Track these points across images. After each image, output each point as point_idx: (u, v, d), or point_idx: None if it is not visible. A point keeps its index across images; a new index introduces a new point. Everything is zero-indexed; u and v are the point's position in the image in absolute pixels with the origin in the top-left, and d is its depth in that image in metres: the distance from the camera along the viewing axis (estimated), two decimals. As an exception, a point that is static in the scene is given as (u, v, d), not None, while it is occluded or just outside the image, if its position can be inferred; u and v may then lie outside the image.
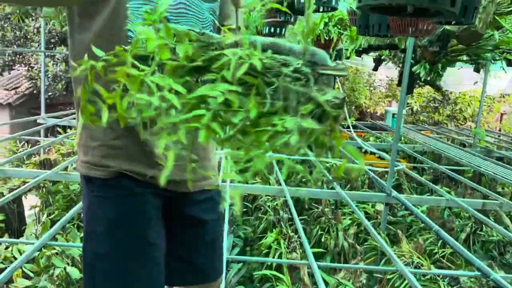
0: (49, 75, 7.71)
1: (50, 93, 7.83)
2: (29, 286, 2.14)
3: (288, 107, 0.49)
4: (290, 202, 2.90)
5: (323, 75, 0.56)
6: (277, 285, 2.33)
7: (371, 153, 5.02)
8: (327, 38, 2.91)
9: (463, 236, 3.32)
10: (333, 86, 0.57)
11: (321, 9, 1.64)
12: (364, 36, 2.37)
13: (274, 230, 2.97)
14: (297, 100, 0.50)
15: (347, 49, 3.35)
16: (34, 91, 8.98)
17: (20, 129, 6.20)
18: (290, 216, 3.24)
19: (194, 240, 1.14)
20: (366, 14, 2.00)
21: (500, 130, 8.25)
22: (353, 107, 8.42)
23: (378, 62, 6.42)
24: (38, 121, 5.43)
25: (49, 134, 5.90)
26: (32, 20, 7.41)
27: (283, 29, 2.66)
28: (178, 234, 1.13)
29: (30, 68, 8.23)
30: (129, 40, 0.91)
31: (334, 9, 1.64)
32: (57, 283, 2.20)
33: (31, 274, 2.38)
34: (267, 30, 2.70)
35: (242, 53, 0.51)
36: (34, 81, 8.26)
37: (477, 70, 5.54)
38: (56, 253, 2.42)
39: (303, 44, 0.55)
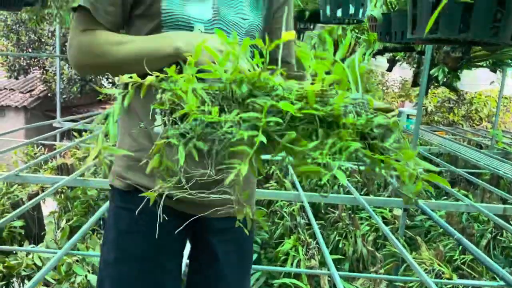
0: (64, 78, 7.78)
1: (65, 96, 7.91)
2: (51, 295, 2.16)
3: None
4: (308, 208, 2.89)
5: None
6: (297, 294, 2.32)
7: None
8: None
9: (484, 242, 3.27)
10: None
11: (346, 21, 1.62)
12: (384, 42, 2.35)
13: (291, 236, 2.96)
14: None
15: (364, 54, 3.32)
16: (49, 94, 9.09)
17: (35, 132, 6.27)
18: (307, 222, 3.23)
19: (212, 274, 1.14)
20: (388, 21, 1.97)
21: (516, 130, 8.13)
22: (367, 108, 8.36)
23: (392, 62, 6.36)
24: (54, 124, 5.49)
25: (64, 138, 5.95)
26: (47, 23, 7.48)
27: (302, 35, 2.65)
28: (199, 265, 1.15)
29: (45, 71, 8.32)
30: (162, 16, 0.95)
31: (360, 21, 1.62)
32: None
33: (52, 281, 2.40)
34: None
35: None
36: (49, 84, 8.35)
37: (493, 70, 5.46)
38: (77, 260, 2.44)
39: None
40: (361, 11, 1.50)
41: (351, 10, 1.46)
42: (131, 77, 0.61)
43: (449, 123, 8.35)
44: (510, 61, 3.57)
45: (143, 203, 0.95)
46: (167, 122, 0.55)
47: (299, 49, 0.61)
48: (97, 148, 0.55)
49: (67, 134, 6.04)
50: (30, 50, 7.94)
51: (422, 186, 0.54)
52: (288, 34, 0.64)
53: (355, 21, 1.62)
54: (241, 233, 1.11)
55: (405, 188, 0.55)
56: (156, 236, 1.03)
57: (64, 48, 8.02)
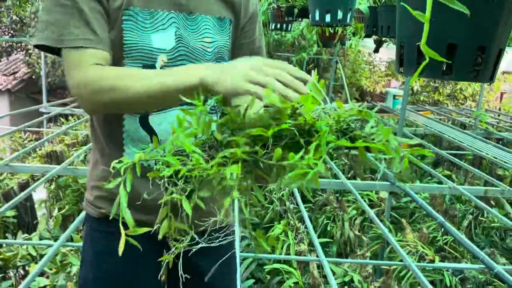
0: (48, 61, 7.65)
1: (49, 79, 7.79)
2: (48, 285, 2.21)
3: None
4: (297, 193, 2.96)
5: None
6: (287, 278, 2.40)
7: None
8: (332, 31, 2.91)
9: (465, 223, 3.39)
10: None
11: (334, 25, 1.65)
12: (371, 35, 2.38)
13: (281, 221, 3.04)
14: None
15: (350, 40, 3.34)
16: (33, 76, 8.94)
17: (20, 117, 6.19)
18: (296, 206, 3.31)
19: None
20: (375, 14, 2.00)
21: (500, 110, 8.28)
22: (354, 89, 8.41)
23: (379, 43, 6.38)
24: (40, 110, 5.43)
25: (52, 123, 5.89)
26: (29, 5, 7.31)
27: (289, 26, 2.66)
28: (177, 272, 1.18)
29: (28, 54, 8.16)
30: (124, 48, 0.92)
31: (348, 25, 1.65)
32: (74, 280, 2.27)
33: (47, 270, 2.45)
34: (273, 26, 2.70)
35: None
36: (32, 67, 8.20)
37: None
38: (71, 250, 2.48)
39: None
40: (349, 16, 1.54)
41: (340, 15, 1.50)
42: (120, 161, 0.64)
43: (435, 102, 8.46)
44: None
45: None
46: (167, 186, 0.59)
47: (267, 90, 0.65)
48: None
49: (54, 119, 5.99)
50: (12, 32, 7.76)
51: (408, 164, 0.58)
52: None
53: (343, 26, 1.66)
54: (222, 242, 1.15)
55: (394, 168, 0.60)
56: (134, 255, 1.09)
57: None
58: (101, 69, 0.86)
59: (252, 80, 0.67)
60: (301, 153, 0.55)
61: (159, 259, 0.83)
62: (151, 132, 1.00)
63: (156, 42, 0.94)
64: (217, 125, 0.62)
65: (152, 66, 0.95)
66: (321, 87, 0.69)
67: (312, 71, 0.76)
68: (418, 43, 0.61)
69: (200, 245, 0.75)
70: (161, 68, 0.96)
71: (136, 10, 0.92)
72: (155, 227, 0.66)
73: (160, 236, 0.64)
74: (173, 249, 0.67)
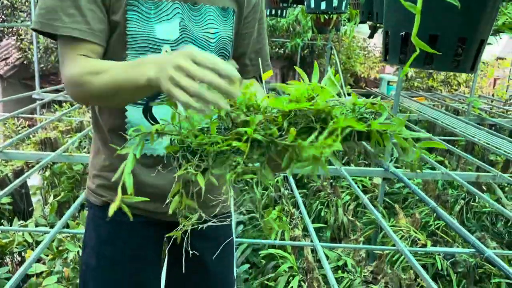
0: (40, 47, 7.56)
1: (42, 65, 7.72)
2: (45, 271, 2.22)
3: None
4: (291, 180, 2.98)
5: None
6: (282, 263, 2.44)
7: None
8: (326, 18, 2.90)
9: (457, 208, 3.44)
10: None
11: (329, 12, 1.65)
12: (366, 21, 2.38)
13: (276, 206, 3.07)
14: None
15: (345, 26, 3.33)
16: (25, 62, 8.84)
17: (13, 103, 6.14)
18: (290, 192, 3.33)
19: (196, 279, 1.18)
20: (370, 1, 2.00)
21: (493, 95, 8.33)
22: (348, 75, 8.41)
23: (373, 29, 6.36)
24: (33, 96, 5.39)
25: (45, 109, 5.86)
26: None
27: (284, 12, 2.64)
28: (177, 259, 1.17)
29: (20, 39, 8.06)
30: (128, 38, 0.92)
31: (343, 12, 1.65)
32: (71, 266, 2.29)
33: (44, 256, 2.47)
34: (268, 12, 2.68)
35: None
36: (24, 53, 8.11)
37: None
38: (68, 237, 2.50)
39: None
40: (344, 3, 1.53)
41: (335, 3, 1.49)
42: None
43: (428, 88, 8.49)
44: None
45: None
46: (180, 161, 0.60)
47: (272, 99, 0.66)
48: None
49: (47, 105, 5.95)
50: (3, 17, 7.65)
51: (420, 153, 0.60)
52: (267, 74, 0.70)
53: (338, 13, 1.65)
54: (221, 228, 1.15)
55: (407, 157, 0.61)
56: (136, 244, 1.09)
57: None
58: (84, 63, 0.86)
59: (179, 85, 0.66)
60: (315, 134, 0.56)
61: (168, 235, 0.84)
62: (155, 123, 1.01)
63: (160, 32, 0.93)
64: (232, 107, 0.63)
65: None
66: (336, 81, 0.69)
67: (315, 61, 0.76)
68: (402, 33, 0.63)
69: (200, 227, 0.76)
70: None
71: (140, 0, 0.92)
72: (166, 201, 0.66)
73: (170, 211, 0.64)
74: (180, 226, 0.68)
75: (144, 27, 0.92)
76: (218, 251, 1.15)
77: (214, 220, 0.93)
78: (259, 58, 1.08)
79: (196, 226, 0.69)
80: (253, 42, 1.10)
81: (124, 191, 0.60)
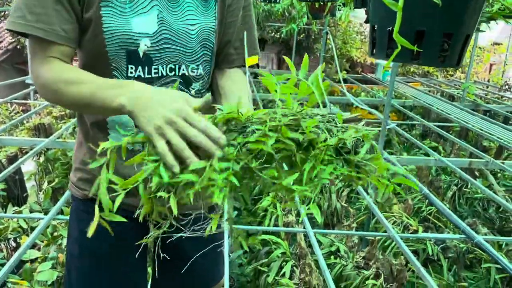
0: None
1: (29, 55, 7.62)
2: (39, 257, 2.24)
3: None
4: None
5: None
6: (275, 249, 2.46)
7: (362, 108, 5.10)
8: (321, 3, 2.88)
9: (449, 194, 3.48)
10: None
11: (325, 1, 1.63)
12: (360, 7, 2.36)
13: (269, 193, 3.08)
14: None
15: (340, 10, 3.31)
16: (18, 46, 8.74)
17: (6, 88, 6.09)
18: (284, 178, 3.35)
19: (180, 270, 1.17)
20: (363, -13, 1.99)
21: (488, 81, 8.34)
22: (344, 60, 8.38)
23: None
24: (26, 81, 5.35)
25: (39, 95, 5.81)
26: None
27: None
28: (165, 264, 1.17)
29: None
30: (105, 35, 0.91)
31: (334, 1, 1.64)
32: (65, 252, 2.31)
33: (38, 242, 2.48)
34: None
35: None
36: (17, 36, 8.00)
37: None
38: (62, 223, 2.51)
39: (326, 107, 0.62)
40: (335, -9, 1.52)
41: (326, -9, 1.48)
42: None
43: (424, 73, 8.48)
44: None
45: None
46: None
47: (264, 79, 0.66)
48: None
49: (40, 90, 5.88)
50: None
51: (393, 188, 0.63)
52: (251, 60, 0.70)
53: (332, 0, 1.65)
54: (208, 223, 1.17)
55: (379, 197, 0.65)
56: (120, 238, 1.10)
57: None
58: (59, 70, 0.87)
59: (163, 135, 0.66)
60: (294, 177, 0.59)
61: (138, 242, 0.83)
62: None
63: (137, 26, 0.91)
64: (213, 122, 0.63)
65: (135, 52, 0.93)
66: (324, 89, 0.69)
67: (306, 54, 0.75)
68: (388, 28, 0.63)
69: (182, 234, 0.77)
70: (144, 53, 0.94)
71: None
72: (137, 211, 0.67)
73: (140, 218, 0.66)
74: (151, 233, 0.69)
75: (120, 22, 0.90)
76: (205, 249, 1.16)
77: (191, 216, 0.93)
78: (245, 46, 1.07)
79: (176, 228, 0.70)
80: (238, 30, 1.07)
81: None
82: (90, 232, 0.63)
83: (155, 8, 0.93)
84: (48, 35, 0.86)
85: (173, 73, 0.98)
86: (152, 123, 0.68)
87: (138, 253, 1.08)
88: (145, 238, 0.72)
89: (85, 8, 0.89)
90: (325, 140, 0.59)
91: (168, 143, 0.66)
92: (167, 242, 1.13)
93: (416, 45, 0.58)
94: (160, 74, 0.97)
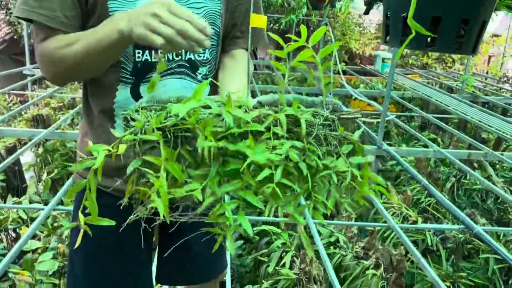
0: (29, 21, 7.40)
1: (32, 40, 7.56)
2: (40, 247, 2.24)
3: (330, 150, 0.57)
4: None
5: (341, 119, 0.62)
6: (275, 239, 2.47)
7: (361, 100, 5.10)
8: (322, -6, 2.86)
9: (448, 185, 3.49)
10: (348, 128, 0.64)
11: None
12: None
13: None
14: (336, 143, 0.58)
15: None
16: (15, 37, 8.67)
17: (3, 79, 6.06)
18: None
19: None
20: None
21: (487, 73, 8.33)
22: (343, 52, 8.34)
23: (369, 5, 6.29)
24: (23, 72, 5.31)
25: (36, 85, 5.79)
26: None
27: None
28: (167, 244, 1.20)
29: (9, 13, 7.88)
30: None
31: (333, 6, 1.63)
32: (66, 243, 2.31)
33: (38, 233, 2.48)
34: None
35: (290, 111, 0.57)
36: (14, 26, 7.94)
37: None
38: (62, 213, 2.51)
39: (323, 97, 0.61)
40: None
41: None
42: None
43: (423, 65, 8.46)
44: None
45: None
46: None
47: (272, 51, 0.65)
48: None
49: (38, 81, 5.87)
50: (-10, -10, 7.45)
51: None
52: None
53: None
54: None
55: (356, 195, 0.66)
56: (124, 228, 1.10)
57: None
58: (48, 42, 0.88)
59: (155, 31, 0.71)
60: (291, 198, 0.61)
61: (130, 218, 0.82)
62: None
63: None
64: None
65: None
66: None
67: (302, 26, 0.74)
68: (403, 14, 0.62)
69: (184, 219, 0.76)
70: None
71: None
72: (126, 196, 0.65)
73: (125, 200, 0.64)
74: (136, 211, 0.67)
75: (126, 5, 0.91)
76: (208, 239, 1.16)
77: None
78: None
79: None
80: (245, 14, 1.07)
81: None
82: (77, 243, 0.62)
83: None
84: (50, 21, 0.86)
85: (180, 57, 0.98)
86: (141, 25, 0.72)
87: (141, 243, 1.08)
88: (133, 215, 0.69)
89: None
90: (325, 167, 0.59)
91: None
92: (169, 232, 1.14)
93: (431, 32, 0.58)
94: (166, 58, 0.97)
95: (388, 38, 0.68)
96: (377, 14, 8.29)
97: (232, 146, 0.56)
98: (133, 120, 0.63)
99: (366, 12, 6.55)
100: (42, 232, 2.46)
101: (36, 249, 2.26)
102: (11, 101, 4.98)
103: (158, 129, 0.59)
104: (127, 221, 0.65)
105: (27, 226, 2.51)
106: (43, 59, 0.90)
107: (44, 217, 1.99)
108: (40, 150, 3.51)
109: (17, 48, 8.83)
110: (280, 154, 0.56)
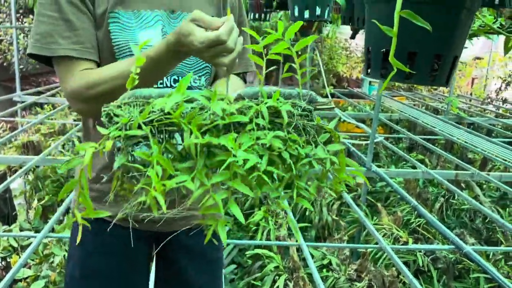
0: (20, 48, 7.43)
1: (22, 66, 7.58)
2: (31, 276, 2.22)
3: (308, 139, 0.62)
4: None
5: (317, 109, 0.67)
6: (268, 263, 2.48)
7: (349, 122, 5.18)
8: (310, 21, 2.94)
9: (437, 205, 3.54)
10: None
11: (313, 20, 1.70)
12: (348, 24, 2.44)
13: (261, 207, 3.10)
14: (314, 132, 0.62)
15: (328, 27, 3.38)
16: (4, 63, 8.68)
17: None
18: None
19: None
20: (351, 6, 2.06)
21: (471, 94, 8.53)
22: (331, 75, 8.50)
23: (355, 30, 6.46)
24: (14, 98, 5.31)
25: (26, 111, 5.78)
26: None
27: (267, 16, 2.70)
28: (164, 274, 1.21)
29: (-1, 41, 7.92)
30: (115, 50, 0.96)
31: (326, 21, 1.71)
32: (57, 270, 2.29)
33: (29, 261, 2.46)
34: (251, 16, 2.72)
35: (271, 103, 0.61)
36: (4, 54, 7.97)
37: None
38: (53, 241, 2.49)
39: (300, 89, 0.66)
40: (326, 11, 1.58)
41: (318, 11, 1.54)
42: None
43: (409, 87, 8.63)
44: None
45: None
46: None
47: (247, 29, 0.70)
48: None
49: (28, 107, 5.87)
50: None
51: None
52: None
53: (321, 21, 1.71)
54: (208, 244, 1.19)
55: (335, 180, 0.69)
56: (122, 256, 1.10)
57: (16, 15, 7.62)
58: (87, 75, 0.90)
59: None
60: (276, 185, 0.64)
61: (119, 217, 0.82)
62: None
63: (143, 39, 0.97)
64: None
65: None
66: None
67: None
68: (382, 50, 0.68)
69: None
70: None
71: (120, 12, 0.96)
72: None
73: (111, 197, 0.64)
74: (123, 209, 0.67)
75: (128, 36, 0.96)
76: (205, 266, 1.18)
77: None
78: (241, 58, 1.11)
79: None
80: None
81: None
82: (78, 239, 0.63)
83: (159, 23, 0.99)
84: (79, 53, 0.92)
85: (177, 84, 1.02)
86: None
87: (141, 271, 1.09)
88: (121, 213, 0.69)
89: (97, 25, 0.96)
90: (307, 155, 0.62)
91: None
92: (170, 259, 1.16)
93: (408, 66, 0.63)
94: (164, 85, 1.02)
95: (369, 70, 0.74)
96: (363, 38, 8.48)
97: (216, 140, 0.58)
98: (116, 116, 0.63)
99: (353, 37, 6.72)
100: (32, 260, 2.43)
101: (27, 277, 2.23)
102: (0, 127, 4.96)
103: (145, 123, 0.59)
104: (116, 217, 0.66)
105: (18, 254, 2.48)
106: (77, 95, 0.91)
107: (36, 245, 1.98)
108: (31, 177, 3.49)
109: (6, 74, 8.83)
110: (265, 144, 0.59)
